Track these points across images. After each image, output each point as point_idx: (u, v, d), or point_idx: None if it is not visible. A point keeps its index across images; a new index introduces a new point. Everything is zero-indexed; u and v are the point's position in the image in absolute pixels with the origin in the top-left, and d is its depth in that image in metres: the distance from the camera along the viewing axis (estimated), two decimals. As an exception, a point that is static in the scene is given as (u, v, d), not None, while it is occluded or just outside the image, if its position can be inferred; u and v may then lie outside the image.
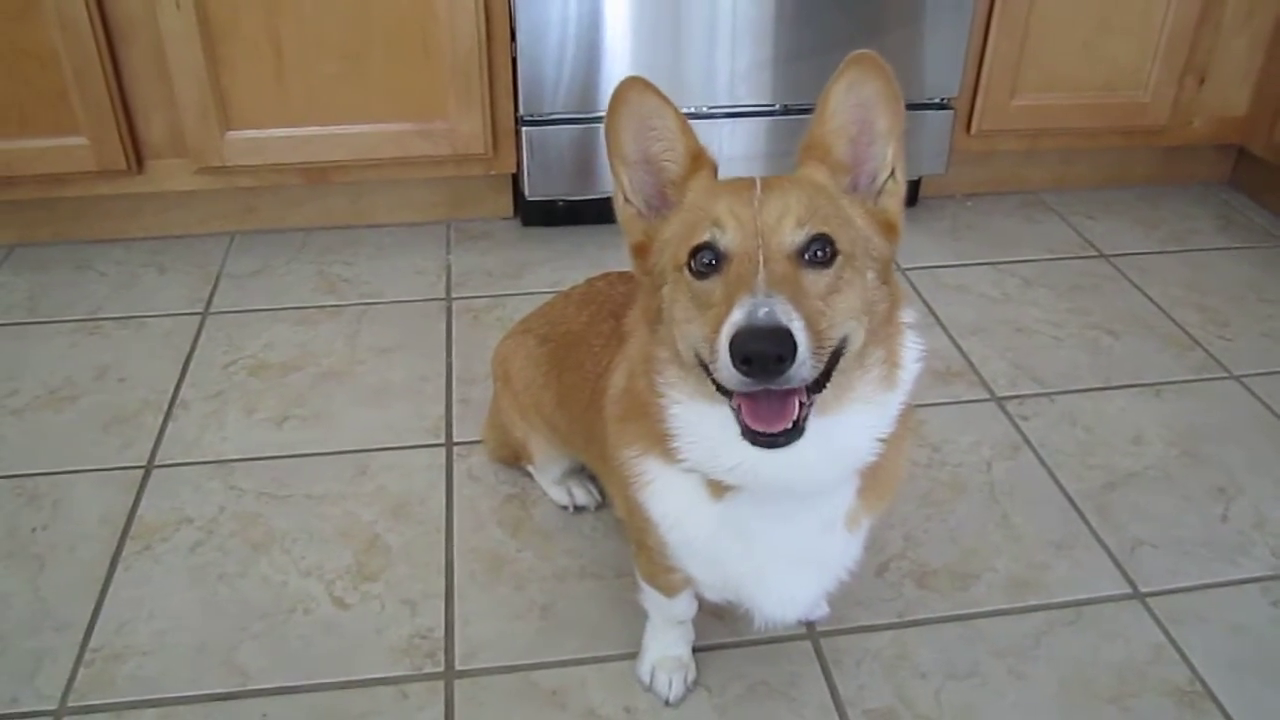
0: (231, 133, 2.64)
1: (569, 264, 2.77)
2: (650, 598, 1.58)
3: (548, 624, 1.73)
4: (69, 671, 1.64)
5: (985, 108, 2.93)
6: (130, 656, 1.67)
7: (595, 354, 1.59)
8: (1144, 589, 1.82)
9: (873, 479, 1.29)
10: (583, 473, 1.96)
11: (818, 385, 1.10)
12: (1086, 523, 1.96)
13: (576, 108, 2.66)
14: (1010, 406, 2.27)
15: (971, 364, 2.41)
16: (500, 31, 2.62)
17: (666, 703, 1.61)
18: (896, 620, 1.75)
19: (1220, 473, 2.10)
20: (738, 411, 1.10)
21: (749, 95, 2.73)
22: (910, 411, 1.26)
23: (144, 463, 2.07)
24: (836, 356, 1.11)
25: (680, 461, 1.23)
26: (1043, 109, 2.97)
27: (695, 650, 1.67)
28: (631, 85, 1.19)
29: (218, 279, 2.72)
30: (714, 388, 1.12)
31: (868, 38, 2.69)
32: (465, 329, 2.52)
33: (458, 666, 1.66)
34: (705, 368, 1.11)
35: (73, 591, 1.78)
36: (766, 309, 1.02)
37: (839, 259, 1.11)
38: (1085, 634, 1.73)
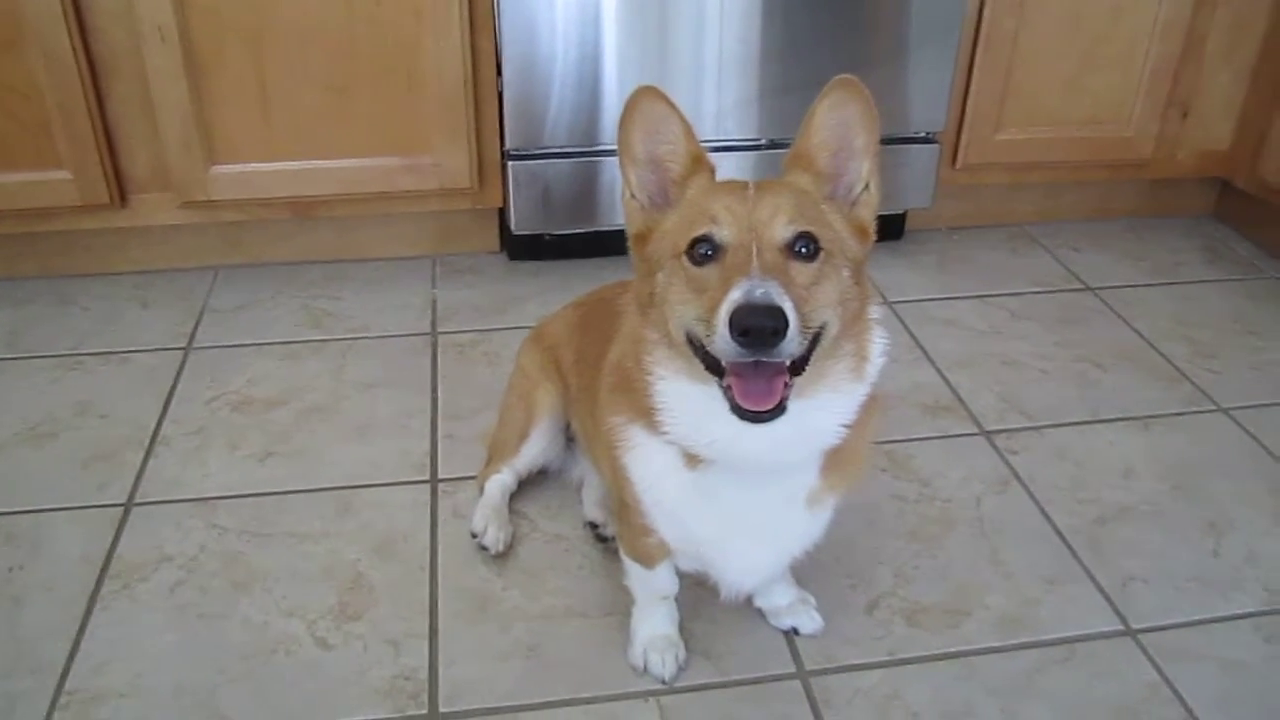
0: (216, 167, 2.63)
1: (556, 298, 2.75)
2: (634, 574, 1.67)
3: (534, 664, 1.71)
4: (44, 714, 1.60)
5: (970, 142, 2.94)
6: (107, 699, 1.63)
7: (614, 320, 1.65)
8: (1136, 625, 1.81)
9: (835, 460, 1.41)
10: (510, 523, 1.97)
11: (798, 368, 1.22)
12: (1077, 558, 1.95)
13: (563, 142, 2.64)
14: (999, 440, 2.26)
15: (959, 398, 2.40)
16: (486, 66, 2.63)
17: (663, 681, 1.67)
18: (887, 658, 1.73)
19: (1210, 507, 2.09)
20: (728, 391, 1.22)
21: (736, 130, 2.74)
22: (874, 400, 1.38)
23: (124, 500, 2.04)
24: (814, 342, 1.23)
25: (664, 434, 1.35)
26: (1028, 143, 2.98)
27: (682, 691, 1.65)
28: (644, 93, 1.30)
29: (201, 314, 2.70)
30: (703, 366, 1.25)
31: (854, 73, 2.69)
32: (451, 364, 2.50)
33: (442, 709, 1.63)
34: (694, 347, 1.24)
35: (49, 632, 1.74)
36: (762, 290, 1.14)
37: (821, 254, 1.24)
38: (1078, 672, 1.72)
